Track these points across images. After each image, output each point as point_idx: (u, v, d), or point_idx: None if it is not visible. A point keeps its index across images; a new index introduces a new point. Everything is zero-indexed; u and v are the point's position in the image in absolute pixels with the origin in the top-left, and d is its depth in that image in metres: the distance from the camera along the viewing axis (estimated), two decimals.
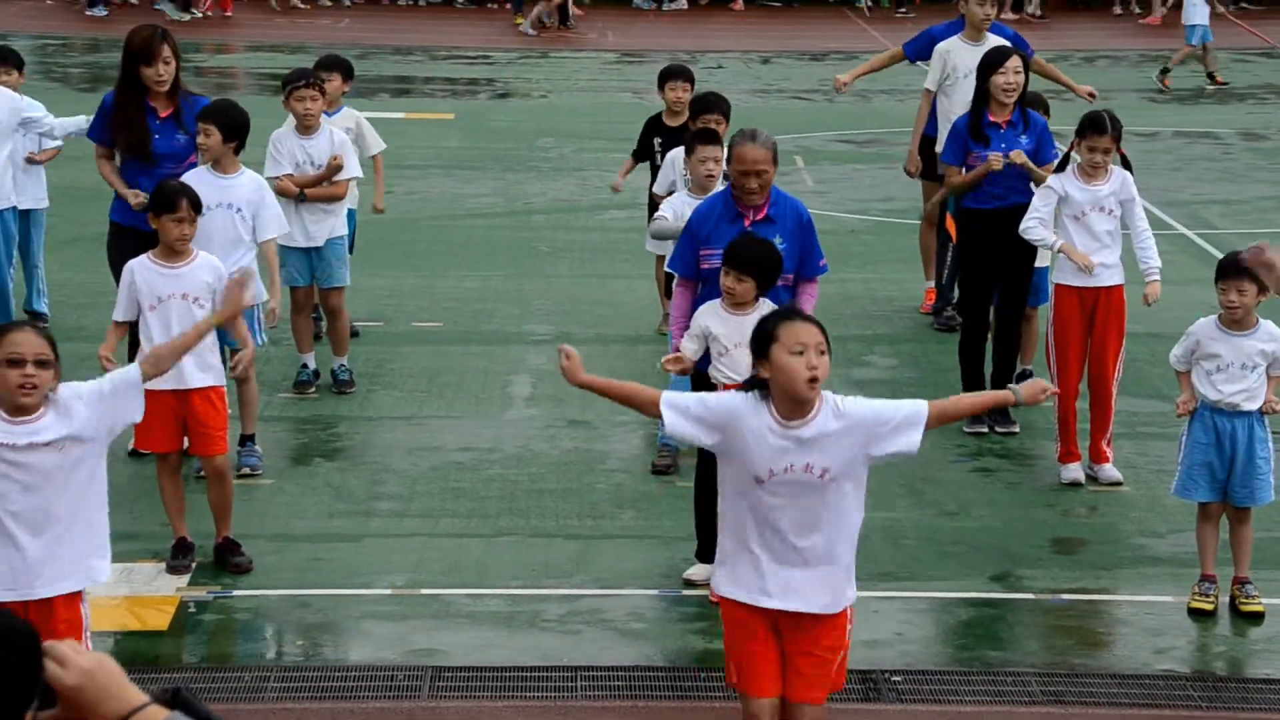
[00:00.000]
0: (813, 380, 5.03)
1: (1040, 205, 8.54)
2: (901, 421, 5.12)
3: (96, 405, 5.30)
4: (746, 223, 7.15)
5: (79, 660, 2.79)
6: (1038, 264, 9.38)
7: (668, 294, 8.91)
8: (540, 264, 12.71)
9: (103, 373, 5.78)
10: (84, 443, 5.27)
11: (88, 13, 25.65)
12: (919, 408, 5.15)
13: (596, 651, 6.80)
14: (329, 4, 27.93)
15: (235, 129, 8.24)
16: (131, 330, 7.54)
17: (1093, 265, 8.40)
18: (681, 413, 5.17)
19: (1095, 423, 8.69)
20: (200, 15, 26.10)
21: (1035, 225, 8.52)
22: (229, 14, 26.32)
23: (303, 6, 27.72)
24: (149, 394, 7.23)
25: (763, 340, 5.10)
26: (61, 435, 5.23)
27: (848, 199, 14.99)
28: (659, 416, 5.23)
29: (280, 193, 9.12)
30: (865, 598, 6.96)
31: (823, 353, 5.06)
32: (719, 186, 8.07)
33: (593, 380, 5.39)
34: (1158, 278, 8.52)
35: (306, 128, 9.51)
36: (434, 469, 8.66)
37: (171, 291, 7.30)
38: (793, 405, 5.08)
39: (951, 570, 7.63)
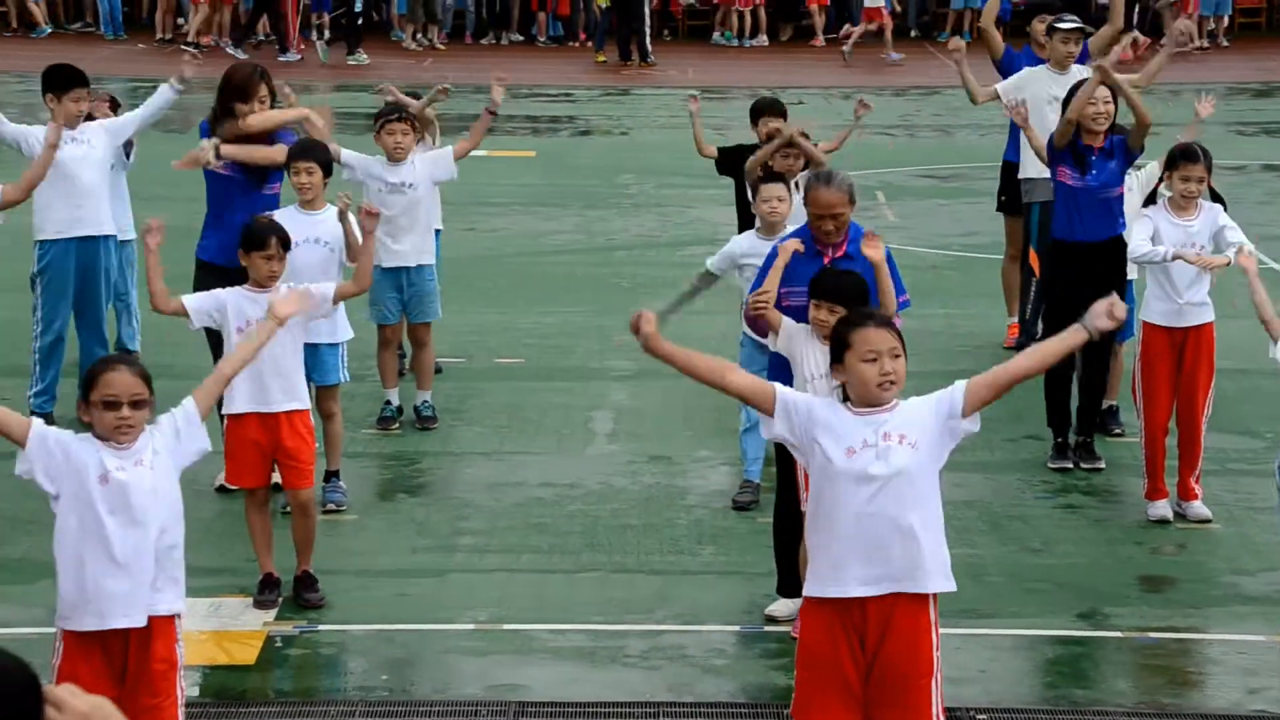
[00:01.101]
0: (885, 385, 5.12)
1: (1140, 231, 8.51)
2: (952, 397, 5.33)
3: (172, 445, 5.36)
4: (826, 260, 7.17)
5: (76, 704, 2.78)
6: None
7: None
8: (621, 300, 12.74)
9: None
10: (166, 474, 5.34)
11: (230, 50, 25.95)
12: (958, 385, 5.37)
13: (678, 687, 6.79)
14: (414, 46, 28.19)
15: (329, 166, 8.42)
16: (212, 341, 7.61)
17: (1217, 263, 8.28)
18: (756, 382, 5.32)
19: (1184, 459, 8.60)
20: (298, 57, 26.41)
21: (1142, 244, 8.45)
22: (300, 54, 26.49)
23: (416, 46, 27.97)
24: (237, 427, 7.39)
25: (838, 346, 5.24)
26: (152, 462, 5.30)
27: (930, 234, 14.93)
28: (740, 396, 5.33)
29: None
30: (948, 634, 6.91)
31: (897, 356, 5.15)
32: (789, 227, 8.10)
33: (672, 352, 5.45)
34: (1250, 248, 8.34)
35: (396, 161, 9.62)
36: (516, 504, 8.69)
37: (259, 316, 7.38)
38: (870, 408, 5.20)
39: (1036, 607, 7.55)
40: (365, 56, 26.47)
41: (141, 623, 5.30)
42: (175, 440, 5.37)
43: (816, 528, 5.26)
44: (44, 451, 5.28)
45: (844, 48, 27.26)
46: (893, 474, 5.12)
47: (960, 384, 5.32)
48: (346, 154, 9.44)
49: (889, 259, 7.31)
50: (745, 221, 10.06)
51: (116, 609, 5.28)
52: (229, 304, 7.40)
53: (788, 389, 5.37)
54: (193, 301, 7.44)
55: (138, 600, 5.29)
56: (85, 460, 5.26)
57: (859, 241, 7.25)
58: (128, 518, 5.25)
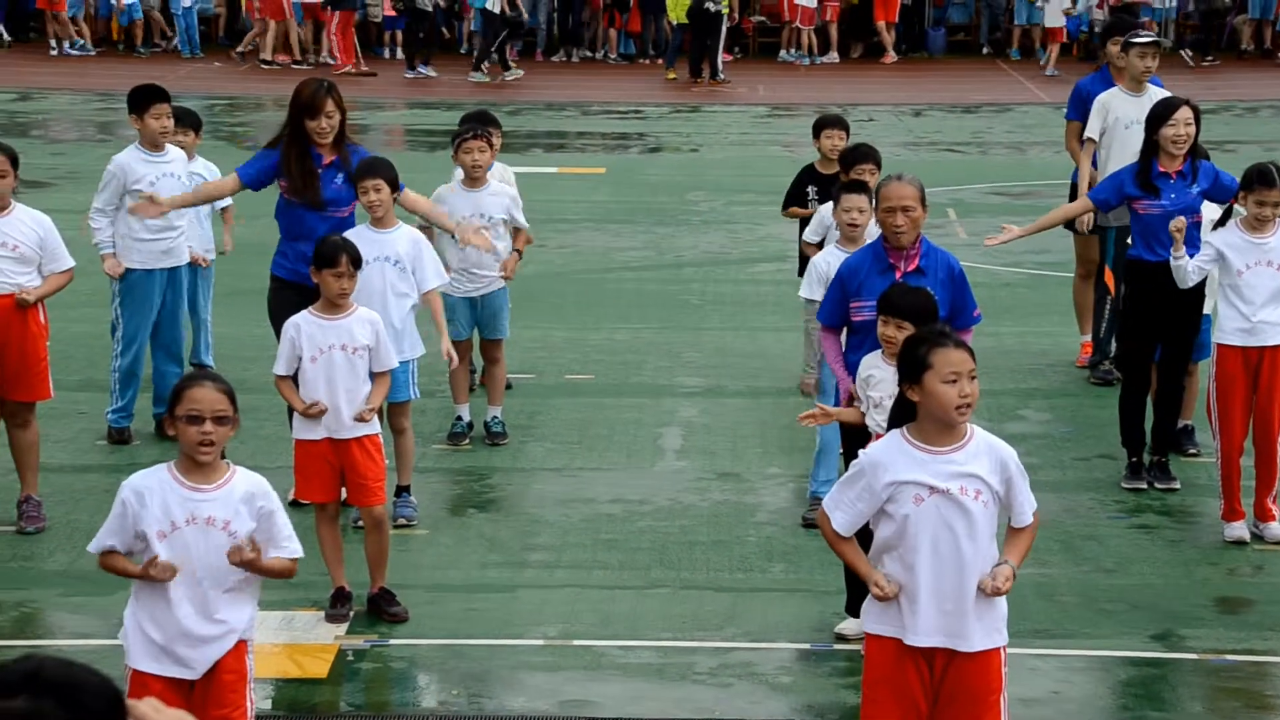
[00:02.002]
0: (963, 408, 5.08)
1: (1202, 259, 8.47)
2: (1023, 504, 5.25)
3: (255, 520, 5.38)
4: (898, 274, 7.14)
5: (159, 719, 2.79)
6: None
7: None
8: (690, 317, 12.75)
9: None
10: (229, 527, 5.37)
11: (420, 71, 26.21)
12: (1029, 514, 5.29)
13: (747, 705, 6.77)
14: (487, 64, 28.32)
15: (397, 183, 8.44)
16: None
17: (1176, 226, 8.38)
18: (853, 516, 5.27)
19: (1261, 480, 8.49)
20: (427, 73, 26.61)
21: (1186, 266, 8.47)
22: (351, 68, 26.61)
23: (489, 64, 28.15)
24: (307, 444, 7.44)
25: (914, 365, 5.14)
26: (210, 516, 5.32)
27: (1001, 251, 14.80)
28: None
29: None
30: (1020, 655, 6.86)
31: (974, 378, 5.11)
32: (867, 238, 8.09)
33: (846, 554, 5.42)
34: None
35: (474, 179, 9.67)
36: (585, 520, 8.70)
37: (332, 342, 7.43)
38: (942, 430, 5.13)
39: (1110, 628, 7.48)
40: (520, 71, 26.72)
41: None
42: (258, 524, 5.37)
43: (879, 560, 5.27)
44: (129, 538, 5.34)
45: (1046, 69, 27.48)
46: (960, 521, 5.12)
47: (1030, 516, 5.28)
48: (443, 206, 9.52)
49: (960, 275, 7.28)
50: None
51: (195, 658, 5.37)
52: (301, 340, 7.42)
53: (872, 471, 5.27)
54: (281, 368, 7.45)
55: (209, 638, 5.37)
56: (154, 512, 5.28)
57: (931, 256, 7.22)
58: (193, 568, 5.30)
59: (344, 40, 27.07)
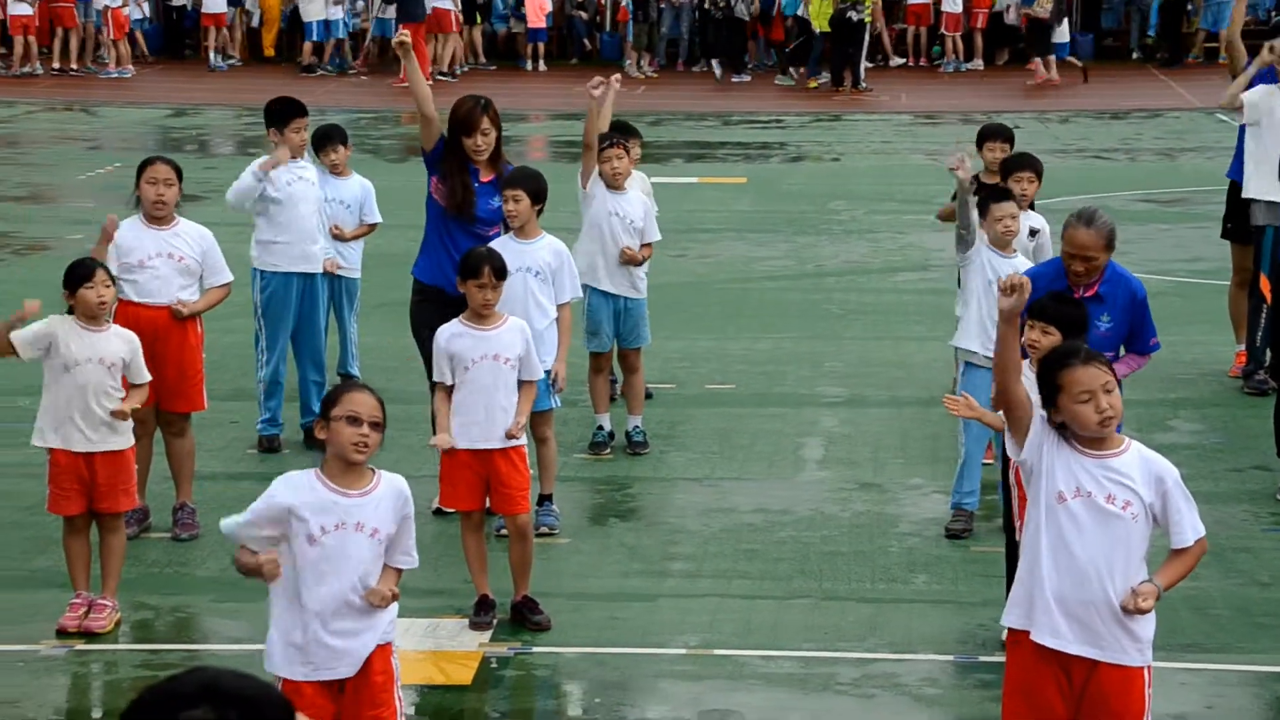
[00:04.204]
0: (1106, 422, 5.04)
1: None
2: (1183, 525, 5.14)
3: (397, 525, 5.47)
4: (1076, 296, 7.07)
5: None
6: None
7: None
8: (832, 326, 12.70)
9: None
10: (376, 530, 5.47)
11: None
12: (1191, 537, 5.17)
13: (890, 716, 6.72)
14: (637, 74, 28.45)
15: (540, 194, 8.48)
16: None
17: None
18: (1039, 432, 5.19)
19: None
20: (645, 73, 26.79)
21: None
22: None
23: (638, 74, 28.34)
24: (453, 453, 7.52)
25: (1049, 390, 5.12)
26: (359, 522, 5.42)
27: (1150, 259, 14.59)
28: (1010, 402, 5.23)
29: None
30: (1170, 669, 6.73)
31: (1110, 390, 5.04)
32: (1021, 231, 8.14)
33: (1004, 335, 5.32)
34: None
35: (613, 188, 9.73)
36: (726, 530, 8.70)
37: (484, 353, 7.50)
38: (1094, 442, 5.11)
39: (1265, 643, 7.31)
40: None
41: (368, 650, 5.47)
42: (396, 526, 5.47)
43: (1025, 561, 5.21)
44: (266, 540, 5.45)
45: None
46: (1106, 529, 5.05)
47: (1190, 539, 5.18)
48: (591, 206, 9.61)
49: (1142, 302, 7.20)
50: None
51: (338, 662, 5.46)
52: (454, 350, 7.50)
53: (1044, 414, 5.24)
54: (440, 376, 7.47)
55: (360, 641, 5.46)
56: (297, 519, 5.38)
57: (1113, 283, 7.14)
58: (336, 572, 5.40)
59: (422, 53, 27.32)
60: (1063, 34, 27.18)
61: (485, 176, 8.74)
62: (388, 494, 5.45)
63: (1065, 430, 5.14)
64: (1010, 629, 5.28)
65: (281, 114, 9.80)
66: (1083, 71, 27.07)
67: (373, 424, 5.37)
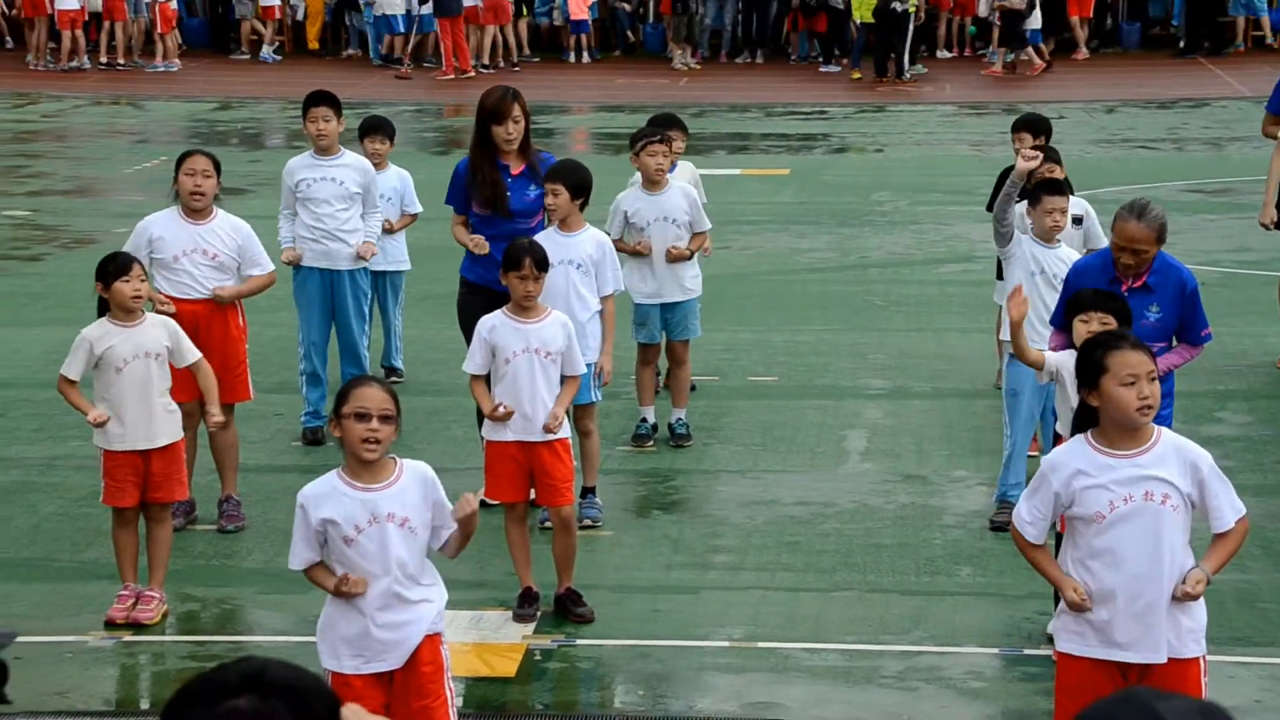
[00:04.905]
0: (1144, 410, 4.98)
1: None
2: (1222, 508, 5.12)
3: (429, 510, 5.49)
4: (1124, 288, 7.03)
5: None
6: None
7: None
8: (875, 318, 12.66)
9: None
10: (407, 519, 5.48)
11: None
12: (1232, 518, 5.14)
13: (935, 709, 6.71)
14: (680, 66, 28.42)
15: (581, 188, 8.48)
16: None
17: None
18: (1043, 525, 5.22)
19: None
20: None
21: None
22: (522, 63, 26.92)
23: (681, 66, 28.31)
24: (497, 445, 7.54)
25: (1092, 370, 5.07)
26: (389, 513, 5.44)
27: (1197, 250, 14.49)
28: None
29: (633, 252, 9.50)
30: (1221, 663, 6.69)
31: (1154, 379, 5.00)
32: (1067, 228, 8.13)
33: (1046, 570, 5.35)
34: None
35: (654, 183, 9.72)
36: (769, 522, 8.69)
37: (525, 346, 7.52)
38: (1125, 434, 5.05)
39: None
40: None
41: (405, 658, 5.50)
42: (430, 510, 5.49)
43: (1069, 568, 5.19)
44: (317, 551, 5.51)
45: None
46: (1149, 528, 5.03)
47: (1231, 520, 5.16)
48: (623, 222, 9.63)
49: (1193, 292, 7.14)
50: None
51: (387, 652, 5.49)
52: (496, 341, 7.51)
53: (1052, 474, 5.20)
54: (473, 367, 7.51)
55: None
56: (331, 525, 5.42)
57: (1162, 273, 7.09)
58: (376, 566, 5.43)
59: (453, 46, 27.30)
60: (1034, 22, 27.14)
61: (517, 169, 8.75)
62: (412, 482, 5.47)
63: (1089, 437, 5.08)
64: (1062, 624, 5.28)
65: (305, 105, 9.77)
66: (1047, 62, 27.20)
67: (382, 417, 5.38)
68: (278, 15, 29.61)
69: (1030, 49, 27.01)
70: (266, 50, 29.30)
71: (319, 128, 9.68)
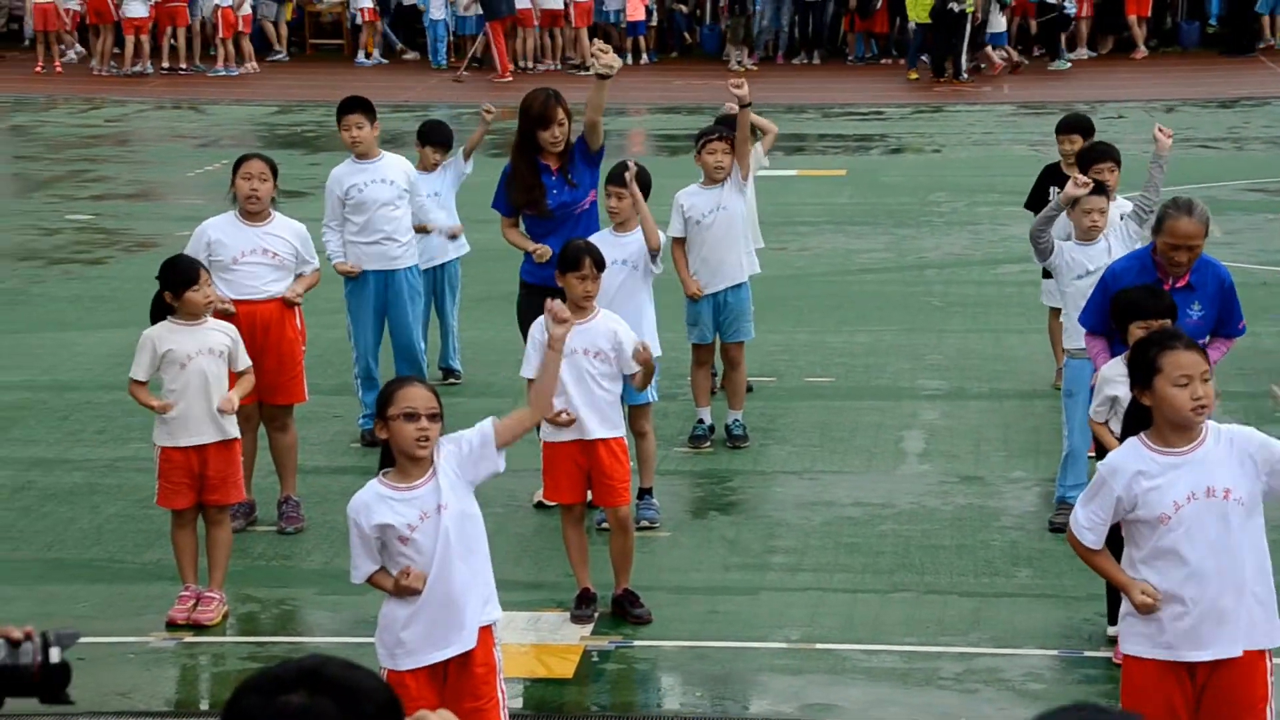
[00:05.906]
0: (1198, 410, 4.98)
1: None
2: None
3: (458, 465, 5.51)
4: (1165, 287, 6.99)
5: None
6: None
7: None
8: (932, 319, 12.61)
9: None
10: (457, 504, 5.49)
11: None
12: None
13: (994, 711, 6.68)
14: (736, 66, 28.40)
15: (644, 190, 8.53)
16: None
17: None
18: (1096, 531, 5.19)
19: None
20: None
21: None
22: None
23: (737, 66, 28.31)
24: (554, 446, 7.56)
25: (1144, 370, 5.06)
26: (438, 504, 5.46)
27: (1259, 250, 14.36)
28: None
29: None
30: None
31: (1207, 379, 4.98)
32: (1113, 219, 8.05)
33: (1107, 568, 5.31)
34: None
35: (715, 180, 9.72)
36: (827, 524, 8.67)
37: (575, 347, 7.53)
38: (1178, 432, 5.05)
39: None
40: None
41: (472, 643, 5.51)
42: (468, 464, 5.51)
43: (1135, 570, 5.16)
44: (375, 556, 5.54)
45: None
46: (1215, 523, 4.99)
47: None
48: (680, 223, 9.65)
49: (1230, 288, 7.11)
50: None
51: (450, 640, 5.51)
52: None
53: (1113, 478, 5.16)
54: (529, 370, 7.47)
55: (466, 625, 5.50)
56: (390, 524, 5.45)
57: (1202, 271, 7.07)
58: (437, 559, 5.46)
59: (503, 49, 27.33)
60: (998, 24, 27.12)
61: (554, 167, 8.76)
62: (448, 466, 5.49)
63: (1144, 439, 5.06)
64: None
65: (338, 112, 9.75)
66: (1012, 63, 27.16)
67: (430, 416, 5.41)
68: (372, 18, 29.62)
69: (989, 50, 27.05)
70: (360, 54, 29.47)
71: (353, 135, 9.66)
